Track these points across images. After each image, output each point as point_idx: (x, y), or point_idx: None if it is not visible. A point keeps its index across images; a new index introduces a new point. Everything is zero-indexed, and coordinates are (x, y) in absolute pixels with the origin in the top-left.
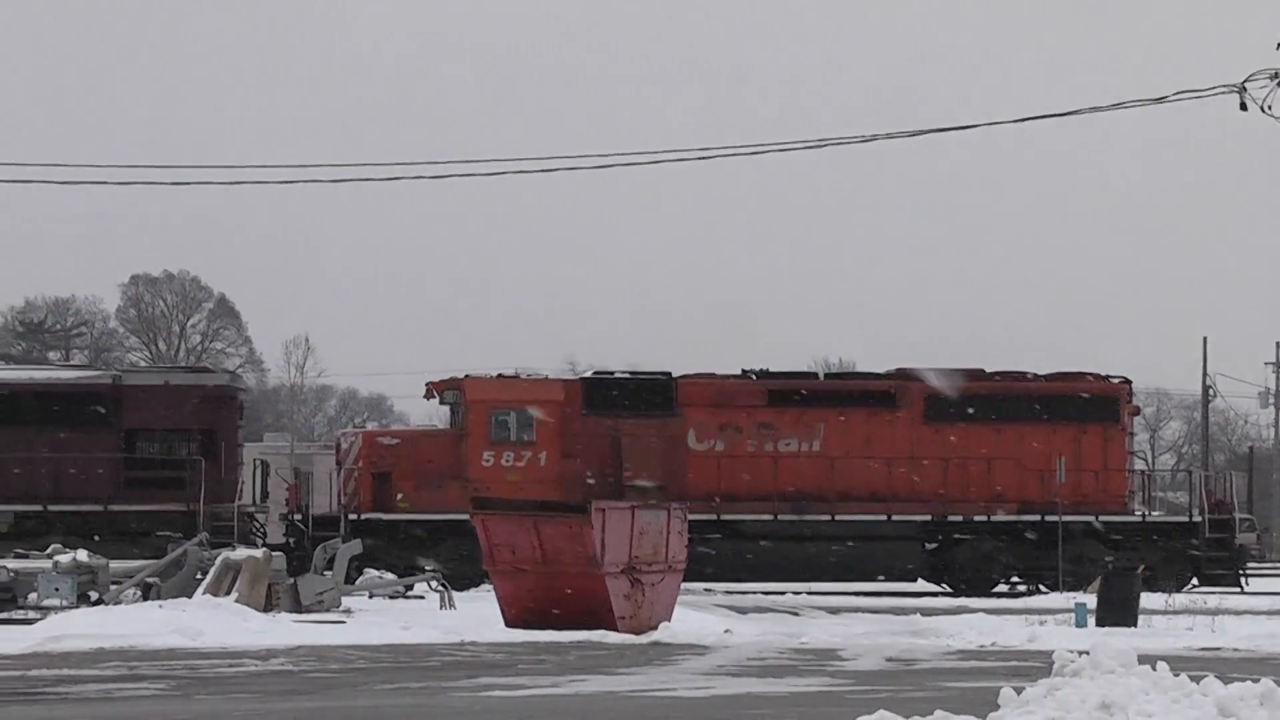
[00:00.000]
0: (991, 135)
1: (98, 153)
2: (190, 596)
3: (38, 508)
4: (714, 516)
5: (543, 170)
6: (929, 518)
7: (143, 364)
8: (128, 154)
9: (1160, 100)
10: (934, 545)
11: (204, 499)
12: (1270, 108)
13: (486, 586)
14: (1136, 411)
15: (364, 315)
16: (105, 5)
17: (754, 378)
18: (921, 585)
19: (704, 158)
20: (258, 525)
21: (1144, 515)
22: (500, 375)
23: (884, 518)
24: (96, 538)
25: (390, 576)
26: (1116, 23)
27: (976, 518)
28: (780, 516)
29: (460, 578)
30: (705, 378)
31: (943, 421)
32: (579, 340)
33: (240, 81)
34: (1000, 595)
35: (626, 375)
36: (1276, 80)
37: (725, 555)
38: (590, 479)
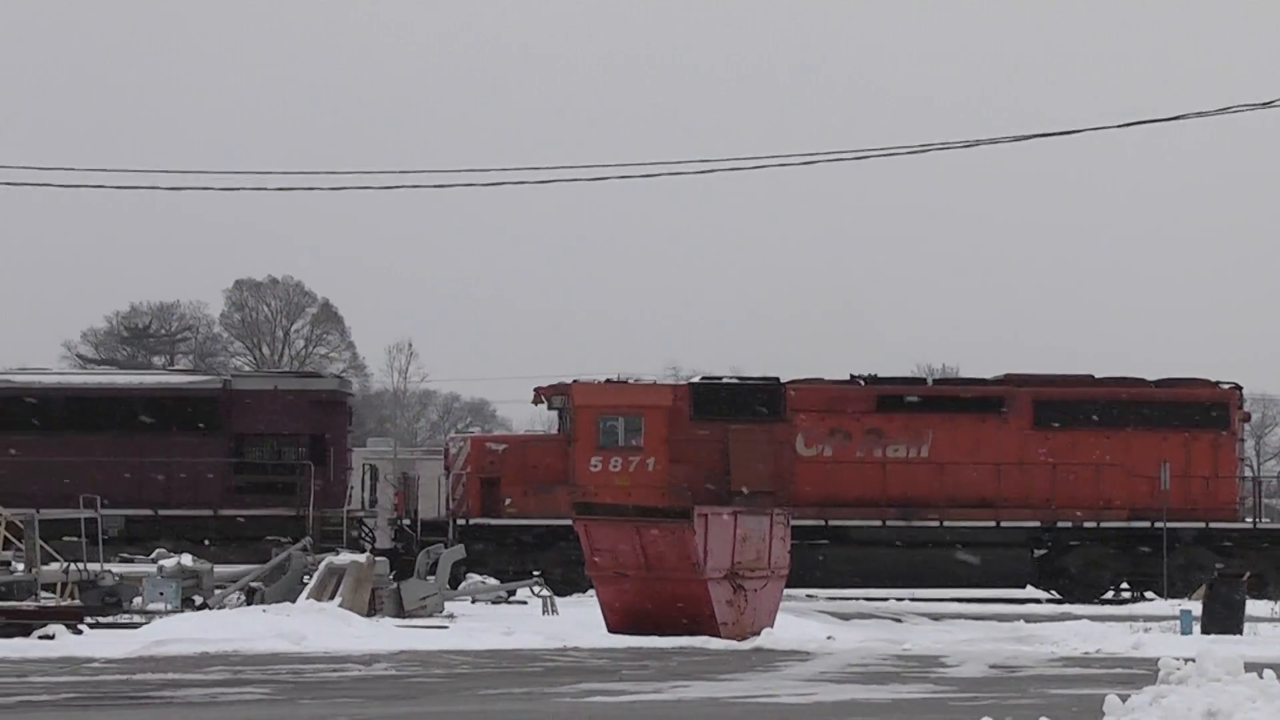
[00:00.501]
0: (1094, 139)
1: (199, 159)
2: (294, 601)
3: (148, 512)
4: (822, 522)
5: (645, 175)
6: (1038, 524)
7: (247, 369)
8: (230, 160)
9: (1268, 105)
10: (1043, 552)
11: (313, 504)
12: None
13: (591, 592)
14: (1247, 418)
15: (466, 320)
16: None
17: (863, 383)
18: (1025, 592)
19: (809, 163)
20: (366, 530)
21: (1254, 522)
22: (608, 381)
23: (992, 524)
24: (206, 542)
25: (493, 581)
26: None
27: (1086, 524)
28: (889, 522)
29: (567, 583)
30: (814, 383)
31: (1051, 427)
32: (682, 345)
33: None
34: (1105, 602)
35: (735, 380)
36: None
37: (833, 561)
38: (698, 484)
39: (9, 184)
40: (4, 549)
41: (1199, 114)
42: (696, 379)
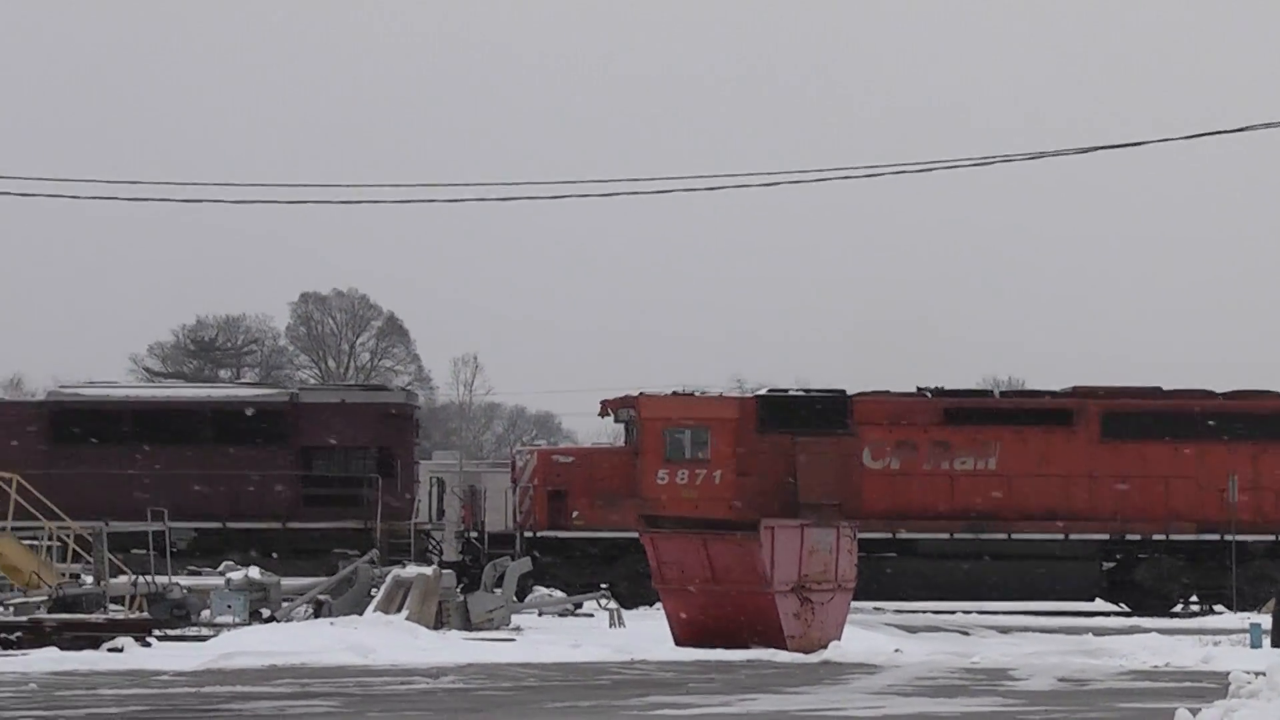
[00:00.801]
0: (1159, 152)
1: (263, 172)
2: (362, 614)
3: (216, 525)
4: (889, 535)
5: (710, 189)
6: (1106, 536)
7: (313, 382)
8: (294, 173)
9: None
10: (1111, 565)
11: (380, 517)
12: None
13: (659, 604)
14: None
15: (532, 333)
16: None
17: (929, 396)
18: (1093, 605)
19: (872, 175)
20: (433, 543)
21: None
22: (675, 393)
23: (1061, 536)
24: (274, 555)
25: (560, 594)
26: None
27: (1155, 537)
28: (956, 535)
29: (634, 596)
30: (880, 396)
31: (1120, 439)
32: (747, 358)
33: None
34: (1174, 615)
35: (801, 393)
36: None
37: (901, 574)
38: (764, 497)
39: (73, 197)
40: (73, 562)
41: (1267, 125)
42: (763, 391)
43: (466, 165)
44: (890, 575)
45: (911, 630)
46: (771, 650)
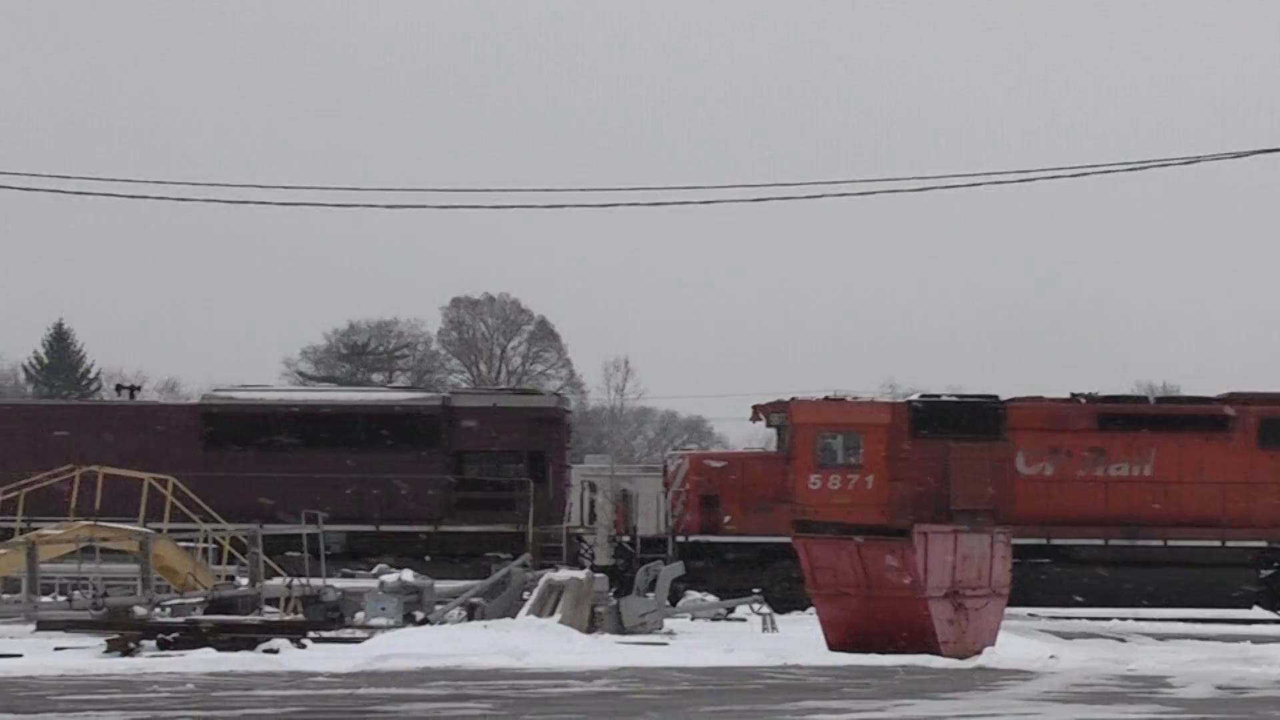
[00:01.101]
0: None
1: (403, 176)
2: (514, 617)
3: (369, 528)
4: (1043, 541)
5: (862, 194)
6: (1264, 544)
7: (464, 386)
8: (438, 177)
9: None
10: (1269, 572)
11: (532, 520)
12: None
13: (811, 609)
14: None
15: (683, 337)
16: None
17: (1083, 401)
18: (1251, 613)
19: (1025, 180)
20: (586, 546)
21: None
22: (827, 398)
23: (1218, 543)
24: (427, 558)
25: (712, 599)
26: None
27: None
28: (1111, 541)
29: (787, 600)
30: (1034, 401)
31: (1277, 446)
32: (899, 363)
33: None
34: None
35: (954, 399)
36: None
37: (1055, 580)
38: (916, 502)
39: (230, 202)
40: (228, 564)
41: None
42: (915, 397)
43: (617, 171)
44: (1044, 581)
45: (1066, 637)
46: (925, 656)
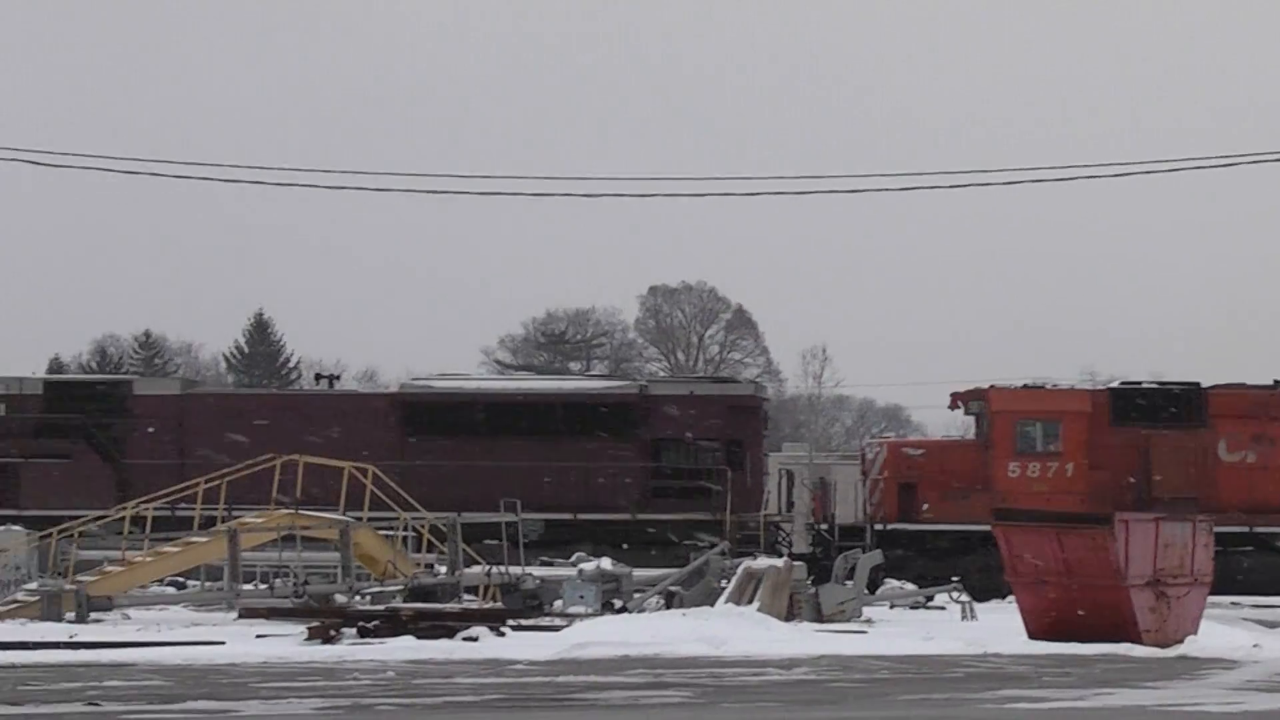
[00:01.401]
0: None
1: (600, 165)
2: (712, 605)
3: (567, 516)
4: (1246, 529)
5: (1058, 180)
6: None
7: (661, 374)
8: (635, 167)
9: None
10: None
11: (730, 508)
12: None
13: (1011, 598)
14: None
15: (881, 324)
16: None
17: None
18: None
19: (1229, 164)
20: (783, 535)
21: None
22: (1025, 386)
23: None
24: (624, 546)
25: (911, 587)
26: None
27: None
28: None
29: (986, 589)
30: (1236, 388)
31: None
32: (1098, 350)
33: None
34: None
35: (1154, 386)
36: None
37: (1258, 568)
38: (1116, 490)
39: (428, 192)
40: (427, 552)
41: None
42: (1115, 384)
43: (815, 158)
44: (1247, 570)
45: (1270, 626)
46: (1126, 644)
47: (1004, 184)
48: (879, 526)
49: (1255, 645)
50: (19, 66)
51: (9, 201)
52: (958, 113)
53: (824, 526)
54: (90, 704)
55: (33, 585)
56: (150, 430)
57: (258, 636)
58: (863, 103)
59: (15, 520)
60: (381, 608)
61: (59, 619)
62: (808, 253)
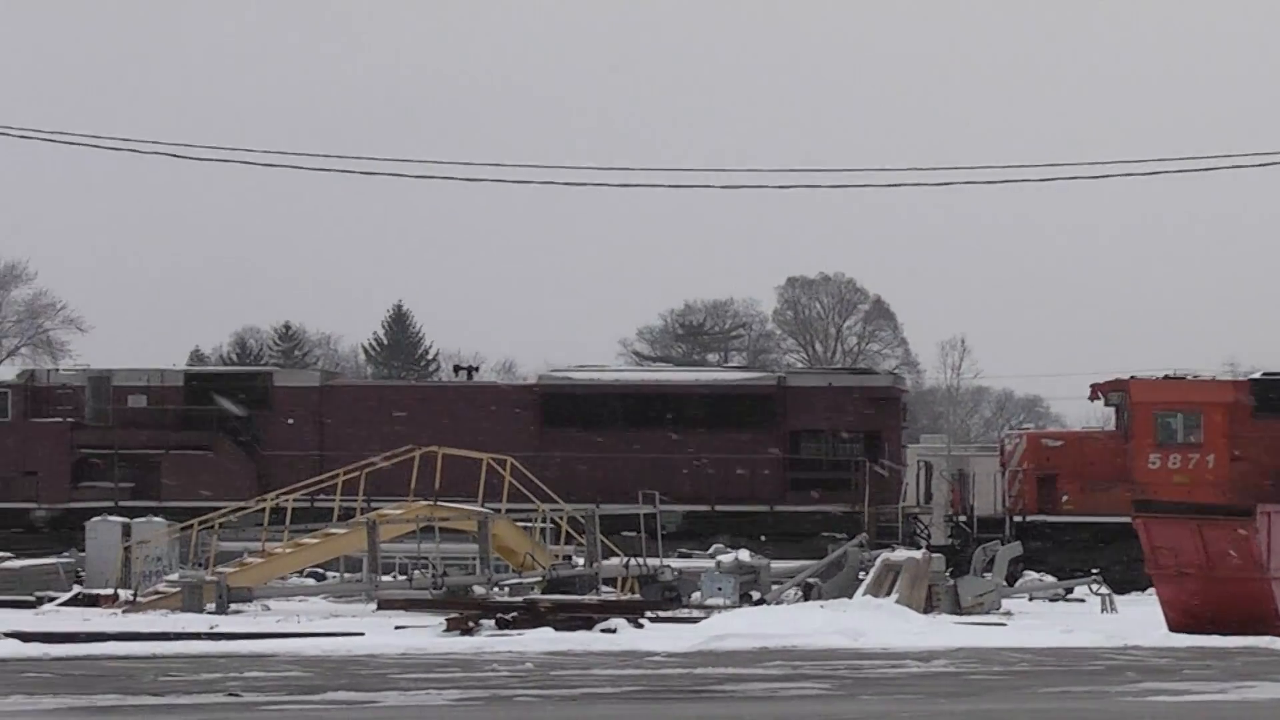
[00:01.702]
0: None
1: (739, 157)
2: (850, 597)
3: (706, 508)
4: None
5: (1204, 170)
6: None
7: (799, 366)
8: (773, 158)
9: None
10: None
11: (868, 500)
12: None
13: (1151, 590)
14: None
15: (1020, 315)
16: None
17: None
18: None
19: None
20: (922, 526)
21: None
22: (1166, 376)
23: None
24: (762, 538)
25: (1050, 579)
26: None
27: None
28: None
29: (1126, 581)
30: None
31: None
32: (1240, 340)
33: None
34: None
35: None
36: None
37: None
38: (1259, 482)
39: (567, 184)
40: (565, 543)
41: None
42: (1257, 375)
43: (954, 149)
44: None
45: None
46: (1269, 638)
47: (1147, 174)
48: (1018, 518)
49: None
50: (158, 60)
51: (151, 194)
52: (1103, 103)
53: (962, 518)
54: (231, 695)
55: (173, 576)
56: (290, 422)
57: (396, 628)
58: (1005, 92)
59: (156, 512)
60: (520, 599)
61: (199, 610)
62: (947, 243)
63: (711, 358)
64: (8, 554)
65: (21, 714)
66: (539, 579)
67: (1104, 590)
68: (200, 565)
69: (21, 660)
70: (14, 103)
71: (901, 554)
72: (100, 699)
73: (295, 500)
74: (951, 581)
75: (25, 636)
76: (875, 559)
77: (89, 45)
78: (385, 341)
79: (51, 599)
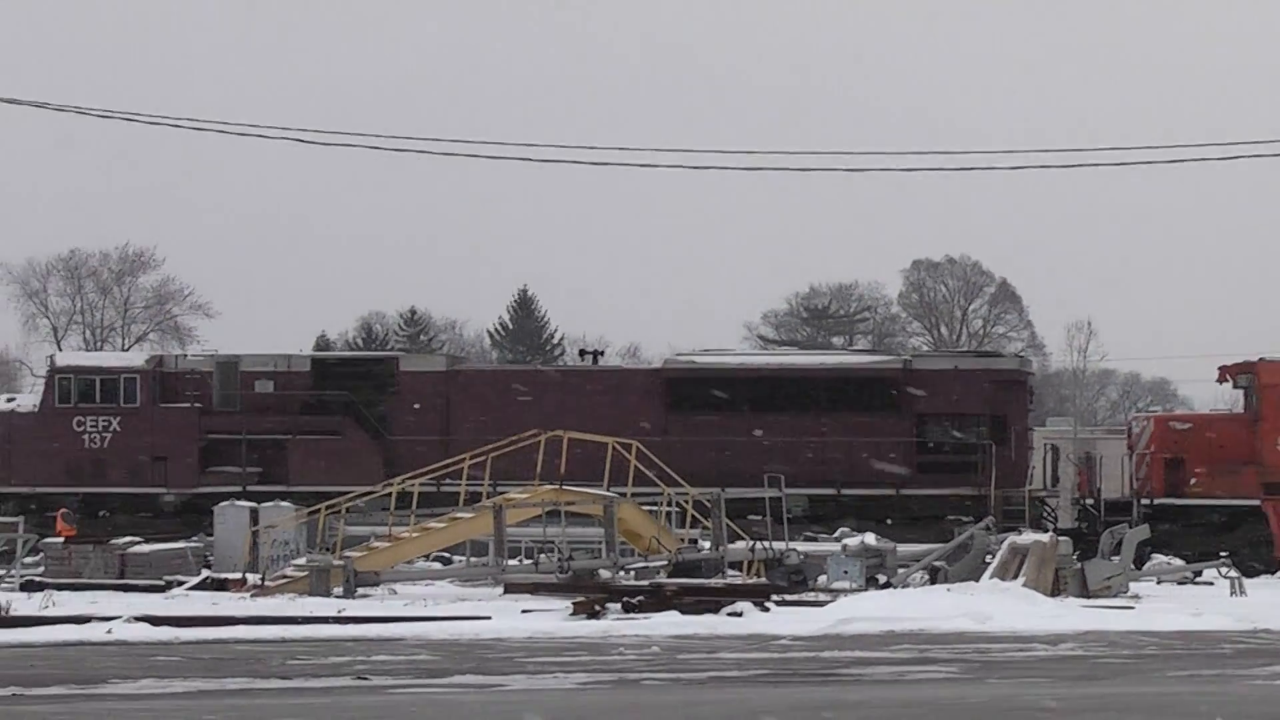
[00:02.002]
0: None
1: (865, 139)
2: (977, 580)
3: (830, 491)
4: None
5: None
6: None
7: (924, 349)
8: (898, 140)
9: None
10: None
11: (994, 483)
12: None
13: None
14: None
15: (1147, 297)
16: None
17: None
18: None
19: None
20: (1048, 510)
21: None
22: None
23: None
24: (888, 521)
25: (1178, 562)
26: None
27: None
28: None
29: (1256, 564)
30: None
31: None
32: None
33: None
34: None
35: None
36: None
37: None
38: None
39: (694, 168)
40: (690, 527)
41: None
42: None
43: (1084, 129)
44: None
45: None
46: None
47: (1277, 155)
48: (1145, 501)
49: None
50: (284, 46)
51: (278, 180)
52: (1235, 84)
53: (1089, 501)
54: (359, 678)
55: (301, 561)
56: (416, 406)
57: (523, 611)
58: (1132, 74)
59: (283, 496)
60: (646, 583)
61: (327, 594)
62: (1073, 225)
63: (836, 341)
64: (137, 538)
65: (153, 697)
66: (664, 563)
67: (1233, 573)
68: (327, 549)
69: (151, 644)
70: (142, 90)
71: (1028, 537)
72: (229, 682)
73: (421, 484)
74: (1079, 565)
75: (155, 620)
76: (1002, 542)
77: (213, 31)
78: (510, 326)
79: (180, 583)
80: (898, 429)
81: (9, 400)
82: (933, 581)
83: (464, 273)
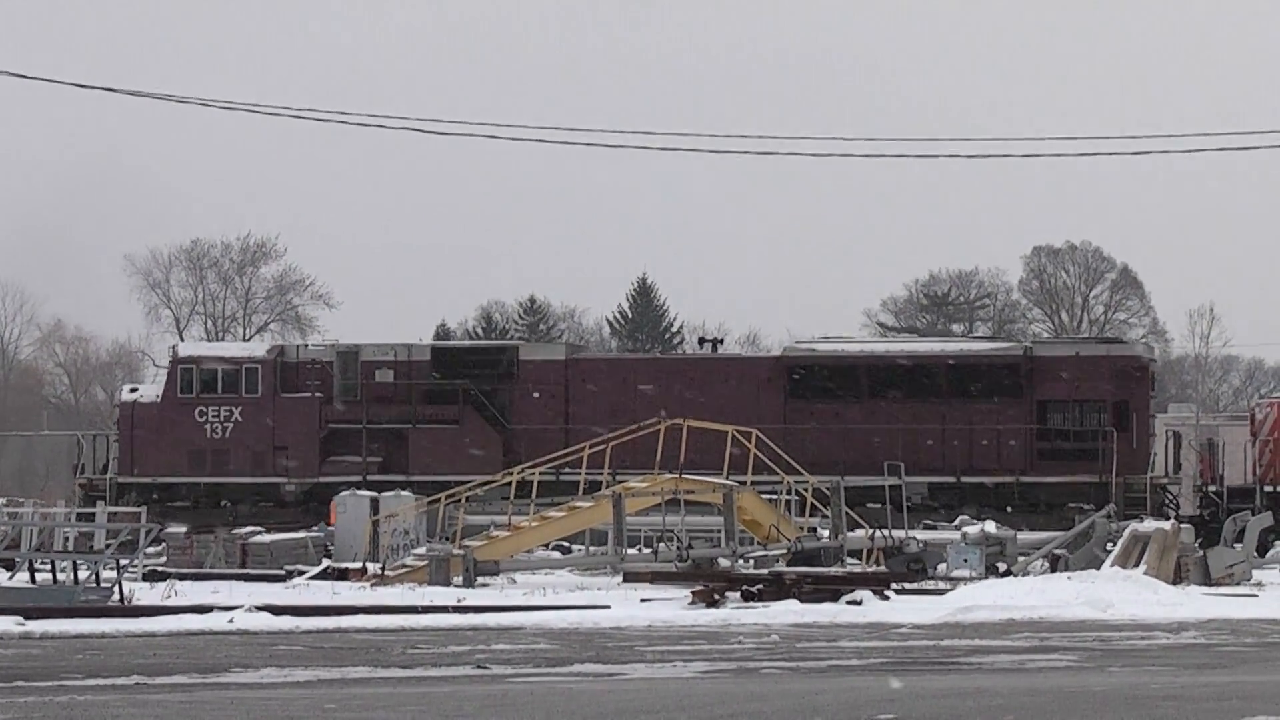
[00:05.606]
0: None
1: (982, 126)
2: (1098, 568)
3: (950, 479)
4: None
5: None
6: None
7: (1045, 336)
8: (1017, 127)
9: None
10: None
11: (1116, 471)
12: None
13: None
14: None
15: (1271, 283)
16: None
17: None
18: None
19: None
20: (1170, 497)
21: None
22: None
23: None
24: (1009, 509)
25: None
26: None
27: None
28: None
29: None
30: None
31: None
32: None
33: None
34: None
35: None
36: None
37: None
38: None
39: (813, 155)
40: (810, 515)
41: None
42: None
43: (1210, 113)
44: None
45: None
46: None
47: None
48: (1269, 488)
49: None
50: (403, 38)
51: (398, 170)
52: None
53: (1212, 488)
54: (479, 667)
55: (421, 550)
56: (535, 395)
57: (642, 600)
58: (1253, 58)
59: (404, 485)
60: (765, 571)
61: (446, 583)
62: (1195, 210)
63: (956, 328)
64: (258, 528)
65: (274, 686)
66: (784, 551)
67: None
68: (447, 539)
69: (273, 633)
70: (267, 81)
71: (1150, 525)
72: (351, 671)
73: (541, 473)
74: (1201, 552)
75: (276, 610)
76: (1123, 530)
77: (334, 27)
78: (630, 314)
79: (301, 573)
80: (1019, 416)
81: (132, 390)
82: (1053, 569)
83: (584, 261)
